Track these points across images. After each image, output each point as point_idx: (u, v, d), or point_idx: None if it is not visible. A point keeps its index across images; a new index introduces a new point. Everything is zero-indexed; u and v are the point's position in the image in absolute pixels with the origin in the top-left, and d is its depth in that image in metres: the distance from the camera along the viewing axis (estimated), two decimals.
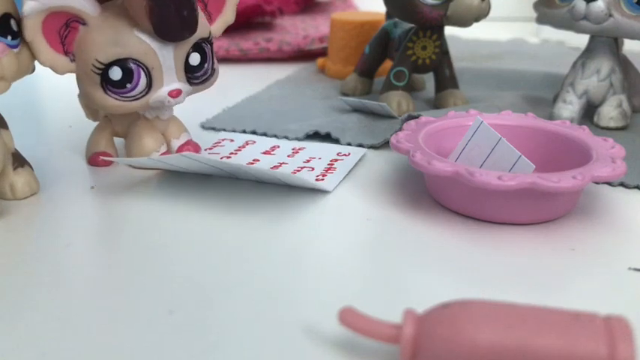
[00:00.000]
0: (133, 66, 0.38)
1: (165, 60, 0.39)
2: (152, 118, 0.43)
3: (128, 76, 0.38)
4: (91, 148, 0.45)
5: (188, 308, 0.28)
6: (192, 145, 0.45)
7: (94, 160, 0.44)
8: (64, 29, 0.37)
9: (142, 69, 0.38)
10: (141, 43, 0.37)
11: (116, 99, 0.38)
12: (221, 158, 0.44)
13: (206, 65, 0.41)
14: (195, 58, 0.40)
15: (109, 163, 0.44)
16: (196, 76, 0.41)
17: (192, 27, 0.38)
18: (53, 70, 0.38)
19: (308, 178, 0.39)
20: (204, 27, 0.40)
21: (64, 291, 0.29)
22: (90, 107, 0.45)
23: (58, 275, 0.30)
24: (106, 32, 0.37)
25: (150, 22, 0.37)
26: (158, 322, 0.27)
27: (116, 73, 0.37)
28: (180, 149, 0.44)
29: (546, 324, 0.22)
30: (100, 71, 0.37)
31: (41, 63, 0.37)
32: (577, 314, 0.22)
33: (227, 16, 0.43)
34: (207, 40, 0.41)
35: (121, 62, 0.37)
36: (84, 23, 0.37)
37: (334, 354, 0.25)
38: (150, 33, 0.37)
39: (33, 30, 0.36)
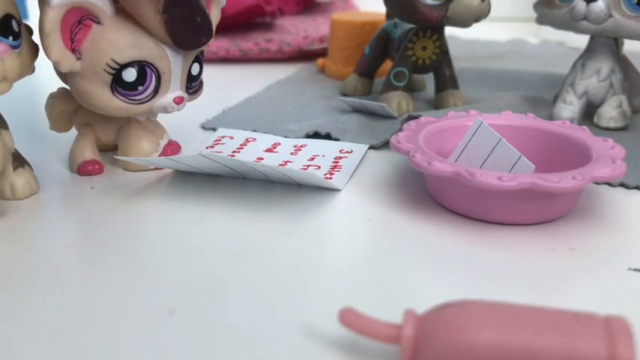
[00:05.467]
0: (147, 69, 0.38)
1: (176, 67, 0.39)
2: (144, 120, 0.43)
3: (142, 78, 0.38)
4: (77, 158, 0.43)
5: (188, 308, 0.28)
6: (174, 145, 0.46)
7: (84, 169, 0.43)
8: (76, 26, 0.36)
9: (154, 73, 0.39)
10: (157, 48, 0.38)
11: (123, 101, 0.39)
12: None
13: (200, 77, 0.43)
14: (196, 68, 0.42)
15: (101, 171, 0.43)
16: (192, 86, 0.42)
17: (210, 31, 0.39)
18: (58, 66, 0.37)
19: (319, 175, 0.39)
20: None
21: (63, 291, 0.29)
22: (61, 117, 0.44)
23: (57, 275, 0.30)
24: (124, 33, 0.37)
25: (167, 34, 0.37)
26: (158, 322, 0.27)
27: (130, 75, 0.38)
28: (165, 149, 0.44)
29: (546, 324, 0.22)
30: (114, 71, 0.37)
31: (50, 57, 0.36)
32: (577, 314, 0.22)
33: None
34: (202, 52, 0.42)
35: (137, 64, 0.38)
36: (98, 22, 0.37)
37: (334, 354, 0.25)
38: (166, 42, 0.38)
39: (54, 22, 0.35)
